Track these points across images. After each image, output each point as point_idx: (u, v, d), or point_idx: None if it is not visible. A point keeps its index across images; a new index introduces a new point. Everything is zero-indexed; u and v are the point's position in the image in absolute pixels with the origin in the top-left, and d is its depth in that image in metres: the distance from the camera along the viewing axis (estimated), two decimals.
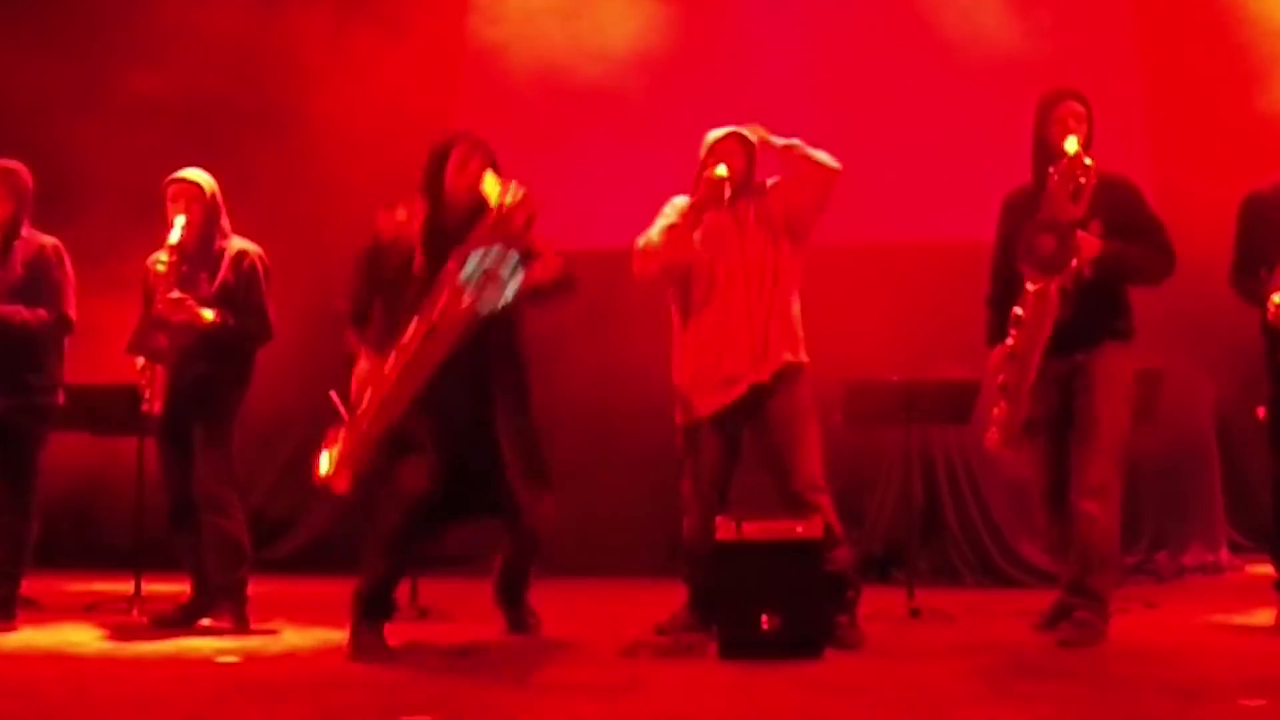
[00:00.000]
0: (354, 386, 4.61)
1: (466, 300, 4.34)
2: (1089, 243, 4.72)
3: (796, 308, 4.92)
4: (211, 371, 5.22)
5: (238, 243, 5.35)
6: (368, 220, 4.82)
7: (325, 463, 4.59)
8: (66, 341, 5.55)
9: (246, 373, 5.37)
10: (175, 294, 5.13)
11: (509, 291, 4.34)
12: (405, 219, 4.71)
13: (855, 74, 7.52)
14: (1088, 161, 4.68)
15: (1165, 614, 5.59)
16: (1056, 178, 4.70)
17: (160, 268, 5.21)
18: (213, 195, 5.30)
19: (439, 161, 4.66)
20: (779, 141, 4.83)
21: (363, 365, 4.63)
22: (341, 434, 4.58)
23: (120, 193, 6.65)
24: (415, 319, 4.45)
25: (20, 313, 5.33)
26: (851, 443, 5.77)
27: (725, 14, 7.76)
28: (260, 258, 5.36)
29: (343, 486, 4.57)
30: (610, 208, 5.82)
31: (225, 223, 5.35)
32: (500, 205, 4.40)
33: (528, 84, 7.38)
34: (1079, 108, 4.88)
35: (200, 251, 5.27)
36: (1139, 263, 4.85)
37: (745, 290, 4.85)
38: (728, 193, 4.78)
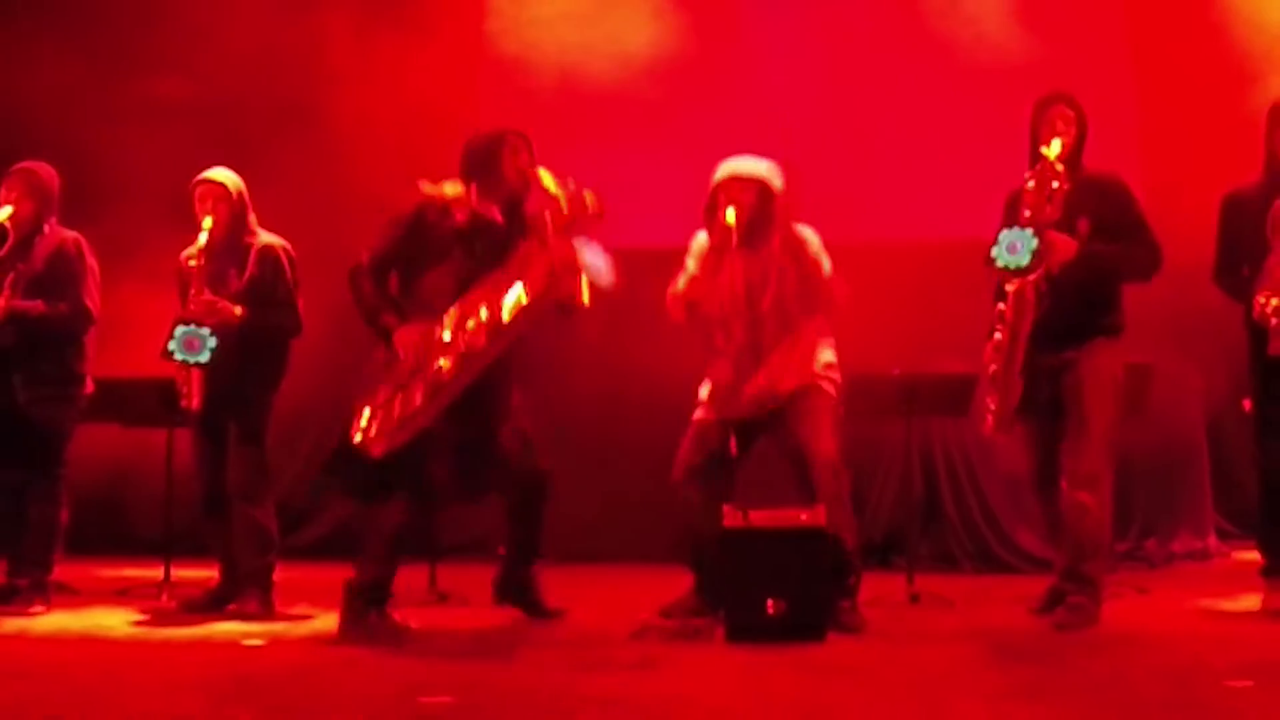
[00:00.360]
0: (405, 354, 4.61)
1: (588, 279, 4.59)
2: (1064, 244, 4.80)
3: (823, 343, 5.01)
4: (245, 368, 5.25)
5: (264, 237, 5.39)
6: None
7: (363, 422, 4.62)
8: (96, 333, 5.58)
9: (280, 368, 5.42)
10: (206, 296, 5.18)
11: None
12: (456, 195, 4.81)
13: (859, 76, 7.55)
14: (1059, 167, 4.77)
15: (1156, 599, 5.65)
16: (1032, 182, 4.81)
17: (192, 264, 5.27)
18: (239, 194, 5.34)
19: (493, 149, 4.81)
20: (823, 262, 4.91)
21: (413, 331, 4.64)
22: (393, 397, 4.60)
23: (149, 192, 6.65)
24: (514, 285, 4.57)
25: (38, 306, 5.39)
26: (853, 434, 5.87)
27: (738, 19, 7.78)
28: (285, 250, 5.39)
29: (379, 450, 4.60)
30: (627, 208, 5.87)
31: (253, 220, 5.39)
32: (580, 197, 4.60)
33: (546, 88, 7.41)
34: (1068, 110, 4.98)
35: (228, 249, 5.32)
36: (1119, 262, 4.95)
37: (756, 334, 4.94)
38: (735, 240, 4.78)
